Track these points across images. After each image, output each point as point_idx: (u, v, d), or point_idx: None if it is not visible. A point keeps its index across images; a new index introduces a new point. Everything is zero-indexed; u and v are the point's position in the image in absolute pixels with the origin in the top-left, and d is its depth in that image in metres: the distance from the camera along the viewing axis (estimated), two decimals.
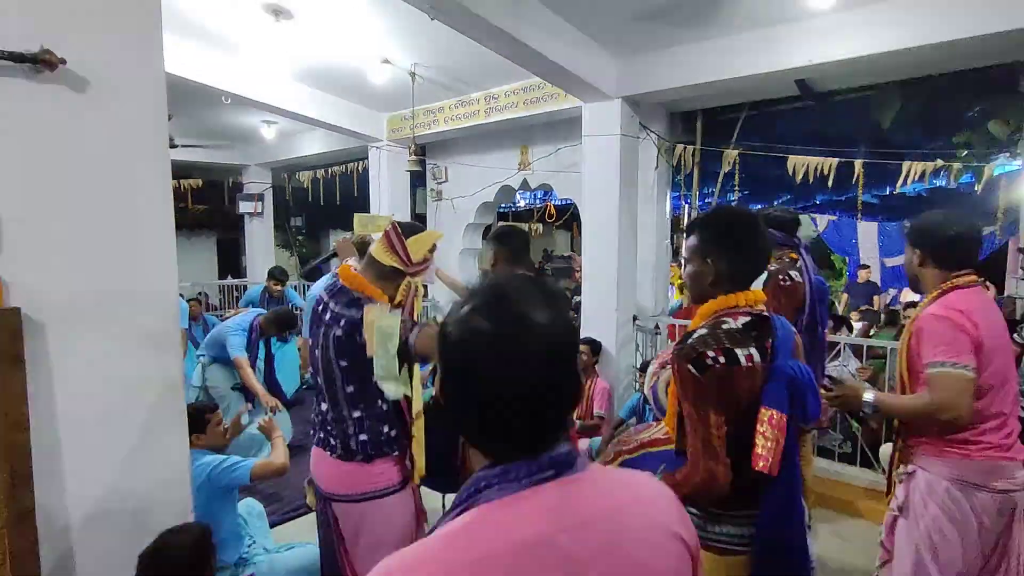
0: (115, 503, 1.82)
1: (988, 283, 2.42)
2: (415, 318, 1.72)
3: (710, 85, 3.94)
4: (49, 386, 1.67)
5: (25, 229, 1.62)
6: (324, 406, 1.72)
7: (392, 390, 1.64)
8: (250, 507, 2.81)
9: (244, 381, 3.85)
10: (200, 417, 2.61)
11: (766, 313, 1.46)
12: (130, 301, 1.83)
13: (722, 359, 1.34)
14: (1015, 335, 2.47)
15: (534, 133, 5.71)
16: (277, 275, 5.58)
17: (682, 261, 1.65)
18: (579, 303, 4.74)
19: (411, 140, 5.62)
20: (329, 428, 1.71)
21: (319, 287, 2.83)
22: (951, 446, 1.74)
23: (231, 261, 10.85)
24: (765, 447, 1.32)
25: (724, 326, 1.40)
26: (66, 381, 1.70)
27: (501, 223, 6.77)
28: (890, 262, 9.27)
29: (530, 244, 2.32)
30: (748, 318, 1.43)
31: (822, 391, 1.81)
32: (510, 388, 0.68)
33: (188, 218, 9.30)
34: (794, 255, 2.45)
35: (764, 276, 2.33)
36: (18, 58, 1.54)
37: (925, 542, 1.76)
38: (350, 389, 1.67)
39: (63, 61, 1.61)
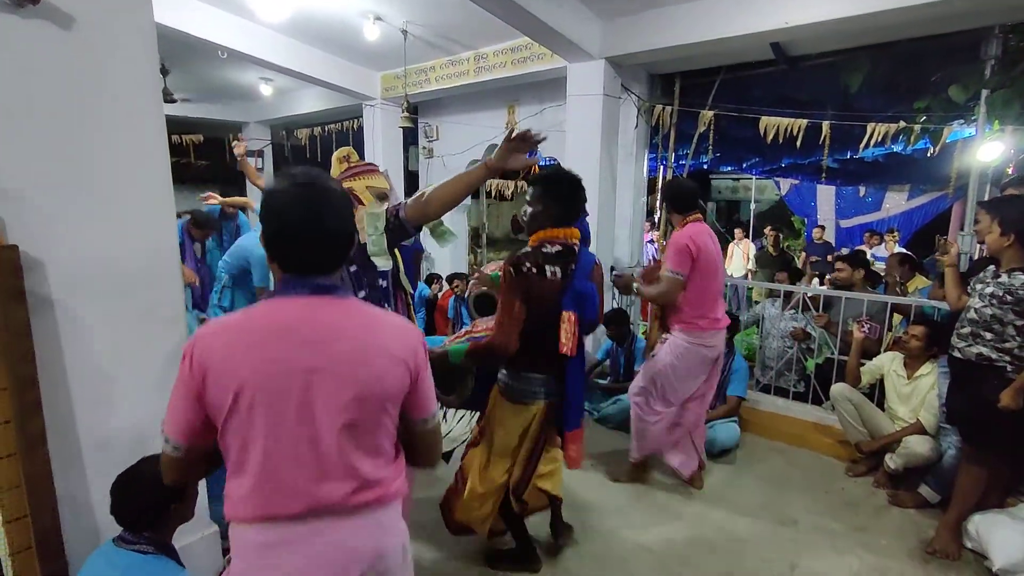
0: (124, 431, 1.78)
1: None
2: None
3: (690, 47, 3.79)
4: (52, 320, 1.60)
5: (19, 168, 1.52)
6: None
7: (383, 263, 1.82)
8: None
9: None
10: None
11: (575, 246, 1.96)
12: (127, 238, 1.74)
13: (535, 270, 1.86)
14: (968, 287, 2.48)
15: (521, 93, 5.52)
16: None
17: (525, 205, 2.04)
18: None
19: (404, 98, 5.40)
20: None
21: None
22: (685, 323, 2.68)
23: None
24: (567, 337, 1.87)
25: (544, 249, 1.92)
26: (69, 317, 1.63)
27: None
28: (845, 223, 9.31)
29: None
30: (561, 248, 1.93)
31: (612, 276, 2.93)
32: (280, 228, 1.00)
33: (191, 173, 8.95)
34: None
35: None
36: None
37: (660, 374, 2.76)
38: (362, 295, 1.82)
39: None
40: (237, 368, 0.94)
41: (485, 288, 2.64)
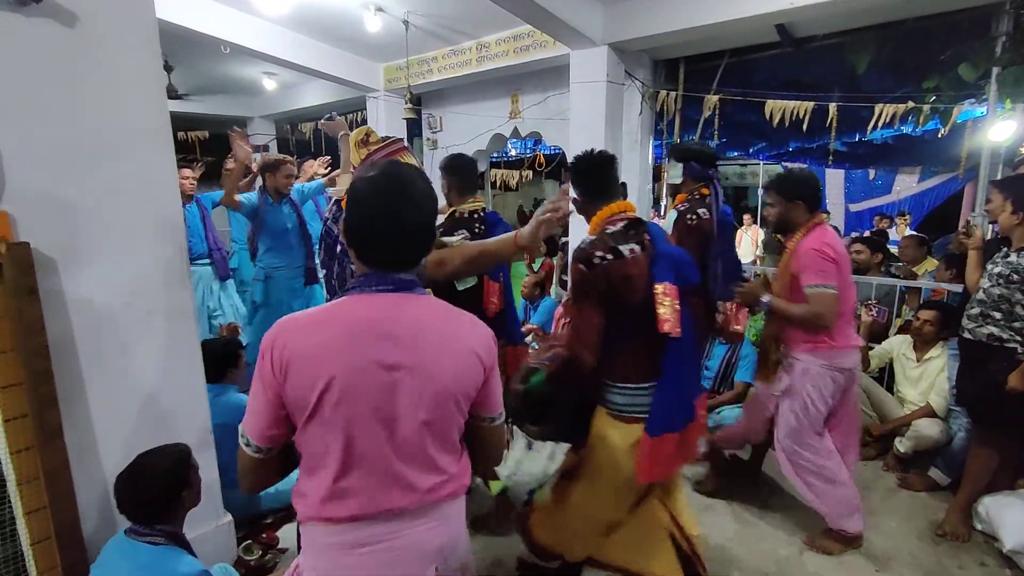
0: (138, 423, 1.82)
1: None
2: None
3: (694, 31, 3.74)
4: (65, 315, 1.63)
5: (28, 166, 1.53)
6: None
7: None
8: None
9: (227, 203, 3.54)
10: (233, 351, 2.56)
11: (637, 216, 1.70)
12: (135, 233, 1.76)
13: (609, 256, 1.55)
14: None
15: (524, 81, 5.48)
16: None
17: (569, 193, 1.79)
18: (566, 243, 4.70)
19: (407, 90, 5.39)
20: None
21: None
22: (820, 342, 2.18)
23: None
24: (665, 313, 1.51)
25: (608, 231, 1.64)
26: (81, 312, 1.66)
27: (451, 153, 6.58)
28: (855, 207, 9.20)
29: (475, 170, 2.52)
30: (625, 222, 1.66)
31: (737, 288, 2.27)
32: (360, 221, 0.99)
33: (197, 169, 9.00)
34: (706, 190, 2.46)
35: (673, 215, 2.46)
36: None
37: (801, 408, 2.24)
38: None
39: None
40: (321, 365, 0.92)
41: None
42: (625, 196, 1.87)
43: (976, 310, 2.28)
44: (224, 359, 2.49)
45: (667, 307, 1.52)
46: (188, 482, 1.54)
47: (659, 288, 1.53)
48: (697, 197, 2.45)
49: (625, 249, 1.56)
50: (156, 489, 1.49)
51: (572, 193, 1.80)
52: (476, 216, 2.33)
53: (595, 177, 1.77)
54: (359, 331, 0.95)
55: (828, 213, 8.41)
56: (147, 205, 1.78)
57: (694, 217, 2.38)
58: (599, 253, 1.55)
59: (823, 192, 9.51)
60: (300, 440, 0.98)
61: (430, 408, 0.98)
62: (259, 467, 1.00)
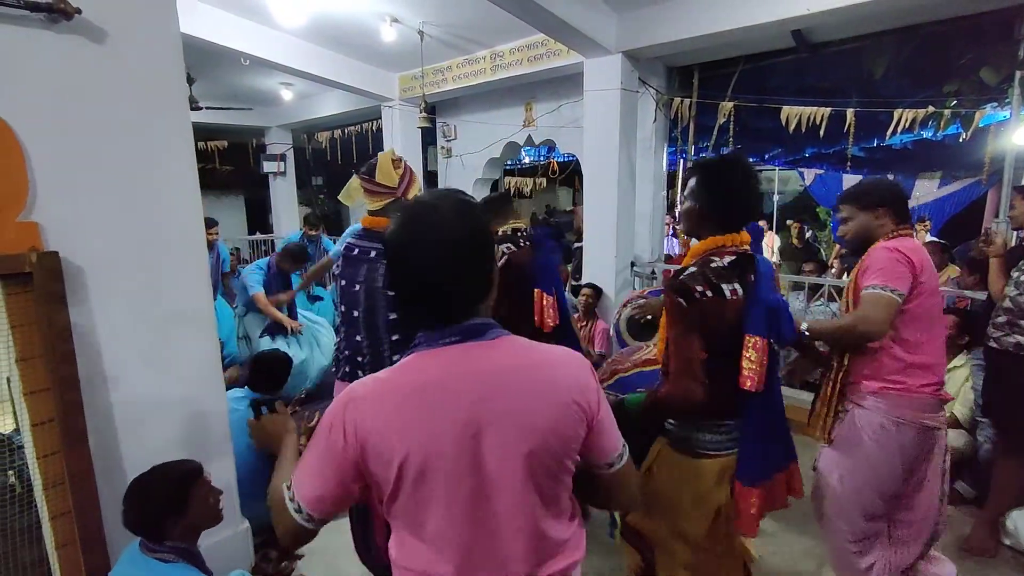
0: (160, 431, 1.85)
1: None
2: None
3: (708, 38, 3.73)
4: (91, 323, 1.67)
5: (58, 177, 1.58)
6: (359, 337, 1.74)
7: None
8: None
9: (264, 312, 3.83)
10: (283, 370, 2.58)
11: (750, 252, 1.50)
12: (158, 244, 1.80)
13: (709, 292, 1.40)
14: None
15: (538, 90, 5.51)
16: (311, 220, 5.44)
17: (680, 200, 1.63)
18: (580, 249, 4.71)
19: (421, 99, 5.45)
20: (361, 358, 1.72)
21: (347, 235, 2.94)
22: (888, 383, 1.72)
23: (259, 218, 10.77)
24: (751, 368, 1.40)
25: (712, 264, 1.45)
26: (106, 320, 1.70)
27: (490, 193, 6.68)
28: None
29: (510, 202, 2.45)
30: (734, 257, 1.47)
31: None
32: (417, 276, 0.85)
33: (216, 178, 9.17)
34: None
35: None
36: (33, 7, 1.46)
37: (852, 471, 1.80)
38: (392, 316, 1.70)
39: (78, 11, 1.53)
40: (394, 437, 0.82)
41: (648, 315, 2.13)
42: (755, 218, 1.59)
43: (1003, 319, 2.24)
44: (277, 372, 2.55)
45: (754, 361, 1.41)
46: (187, 503, 1.46)
47: (749, 341, 1.41)
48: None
49: (727, 289, 1.42)
50: (151, 509, 1.44)
51: (685, 201, 1.57)
52: (519, 232, 2.26)
53: (731, 194, 1.49)
54: (430, 394, 0.84)
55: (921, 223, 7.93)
56: (170, 215, 1.82)
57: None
58: (699, 288, 1.40)
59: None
60: (387, 513, 0.89)
61: (528, 468, 0.85)
62: (306, 535, 0.90)
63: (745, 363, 1.41)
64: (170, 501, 1.45)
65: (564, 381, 0.88)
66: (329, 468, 0.85)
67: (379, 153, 1.79)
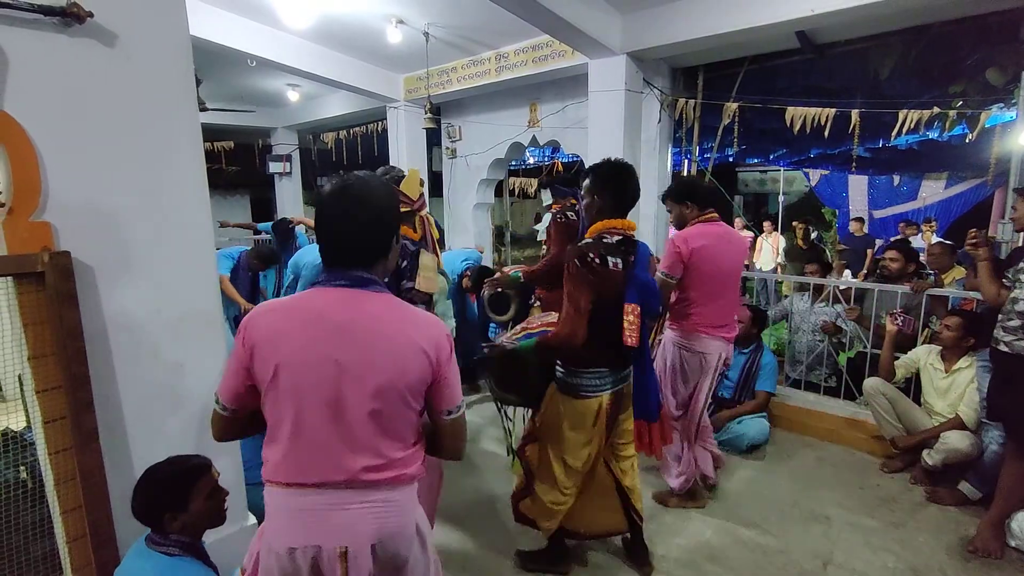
0: (169, 427, 1.87)
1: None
2: (436, 244, 2.00)
3: (713, 39, 3.74)
4: (101, 321, 1.69)
5: (69, 177, 1.60)
6: None
7: (451, 327, 1.91)
8: None
9: (227, 294, 4.00)
10: None
11: (634, 237, 1.97)
12: (168, 243, 1.82)
13: (597, 260, 1.84)
14: (1003, 278, 2.39)
15: (543, 91, 5.53)
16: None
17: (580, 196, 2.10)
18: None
19: (426, 100, 5.47)
20: None
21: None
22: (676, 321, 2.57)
23: (264, 218, 10.81)
24: (630, 329, 1.87)
25: (604, 240, 1.91)
26: (116, 318, 1.72)
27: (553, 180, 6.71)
28: (879, 213, 9.03)
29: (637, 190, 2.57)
30: (620, 237, 1.93)
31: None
32: (319, 221, 1.10)
33: (223, 178, 9.23)
34: (574, 200, 2.83)
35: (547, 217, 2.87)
36: (47, 11, 1.49)
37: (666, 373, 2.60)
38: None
39: (90, 14, 1.55)
40: (277, 348, 1.05)
41: (500, 288, 2.67)
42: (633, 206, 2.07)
43: (1016, 322, 2.22)
44: None
45: (632, 324, 1.87)
46: (189, 497, 1.47)
47: (628, 308, 1.88)
48: (568, 204, 2.88)
49: (611, 261, 1.87)
50: (154, 498, 1.46)
51: (584, 197, 2.03)
52: (629, 240, 2.13)
53: (613, 188, 1.96)
54: (311, 321, 1.06)
55: (860, 220, 8.18)
56: (179, 215, 1.84)
57: (563, 217, 2.84)
58: (591, 255, 1.84)
59: (845, 198, 9.36)
60: (263, 410, 1.11)
61: (376, 400, 1.06)
62: (225, 423, 1.17)
63: (626, 325, 1.86)
64: (173, 492, 1.46)
65: (420, 333, 1.10)
66: (233, 366, 1.11)
67: (410, 168, 2.02)
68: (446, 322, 1.83)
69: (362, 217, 1.09)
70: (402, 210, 1.84)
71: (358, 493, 1.09)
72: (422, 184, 2.05)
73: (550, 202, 3.00)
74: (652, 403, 2.03)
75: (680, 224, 2.64)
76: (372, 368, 1.05)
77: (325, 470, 1.07)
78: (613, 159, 2.01)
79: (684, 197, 2.60)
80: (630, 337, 1.85)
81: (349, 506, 1.08)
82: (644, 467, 3.04)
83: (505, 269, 3.16)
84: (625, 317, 1.86)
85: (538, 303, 3.04)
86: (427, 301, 1.79)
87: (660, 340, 2.70)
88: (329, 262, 1.11)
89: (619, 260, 1.87)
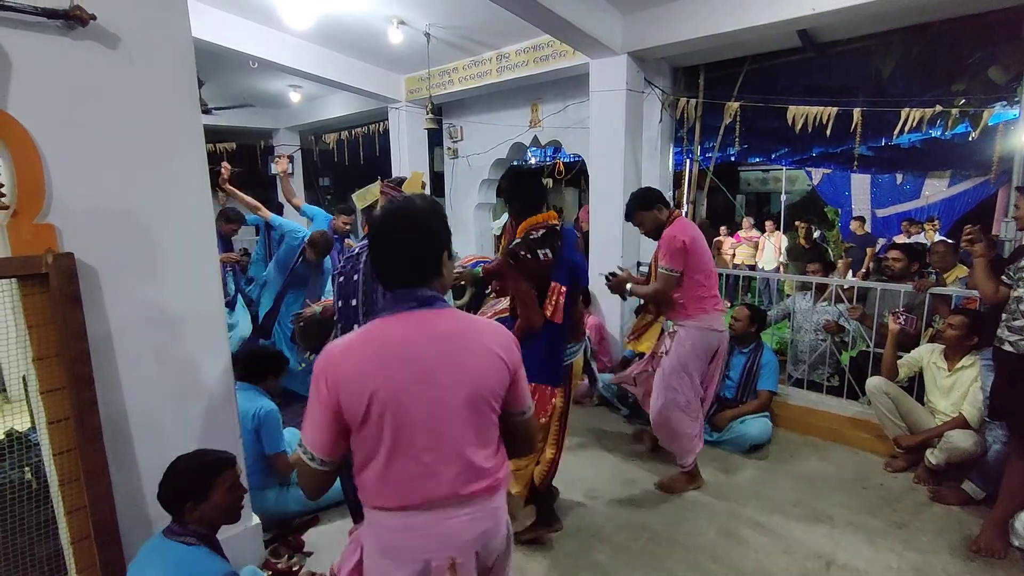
0: (172, 428, 1.88)
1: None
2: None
3: (714, 38, 3.73)
4: (105, 323, 1.70)
5: (73, 179, 1.61)
6: (356, 326, 1.82)
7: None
8: (292, 435, 2.90)
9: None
10: (280, 364, 2.67)
11: (556, 225, 2.21)
12: (170, 245, 1.83)
13: (529, 255, 2.11)
14: (1004, 276, 2.39)
15: (544, 91, 5.52)
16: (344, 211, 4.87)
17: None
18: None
19: (428, 100, 5.48)
20: None
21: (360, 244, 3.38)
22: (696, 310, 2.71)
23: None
24: (552, 305, 2.17)
25: (531, 236, 2.14)
26: (119, 319, 1.73)
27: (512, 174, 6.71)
28: (882, 212, 9.00)
29: (540, 189, 2.63)
30: (545, 230, 2.16)
31: (606, 279, 2.93)
32: (377, 247, 1.15)
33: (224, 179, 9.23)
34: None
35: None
36: (50, 14, 1.50)
37: (682, 367, 2.74)
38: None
39: (93, 17, 1.56)
40: (365, 382, 1.05)
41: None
42: (550, 207, 2.36)
43: (1021, 322, 2.20)
44: (266, 365, 2.60)
45: (554, 301, 2.16)
46: (212, 488, 1.53)
47: (553, 286, 2.17)
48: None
49: (541, 253, 2.11)
50: (179, 485, 1.52)
51: (508, 205, 2.36)
52: (552, 229, 2.36)
53: (523, 191, 2.30)
54: (393, 349, 1.08)
55: (861, 219, 8.19)
56: (181, 217, 1.85)
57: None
58: (522, 252, 2.11)
59: (848, 196, 9.32)
60: (354, 444, 1.10)
61: (466, 410, 1.10)
62: (324, 477, 1.12)
63: (548, 302, 2.16)
64: (198, 481, 1.53)
65: (492, 339, 1.15)
66: (321, 415, 1.07)
67: (413, 171, 2.01)
68: None
69: (412, 237, 1.12)
70: None
71: (460, 506, 1.11)
72: (424, 187, 2.06)
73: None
74: (542, 369, 2.19)
75: (657, 228, 2.76)
76: (459, 382, 1.09)
77: (427, 490, 1.09)
78: (511, 170, 2.33)
79: (652, 203, 2.76)
80: (554, 313, 2.14)
81: (453, 520, 1.11)
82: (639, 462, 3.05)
83: (465, 259, 3.38)
84: (548, 295, 2.15)
85: (493, 293, 3.16)
86: None
87: (672, 335, 2.78)
88: (390, 284, 1.14)
89: (547, 250, 2.11)
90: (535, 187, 2.35)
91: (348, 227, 4.62)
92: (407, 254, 1.12)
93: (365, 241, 1.88)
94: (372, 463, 1.09)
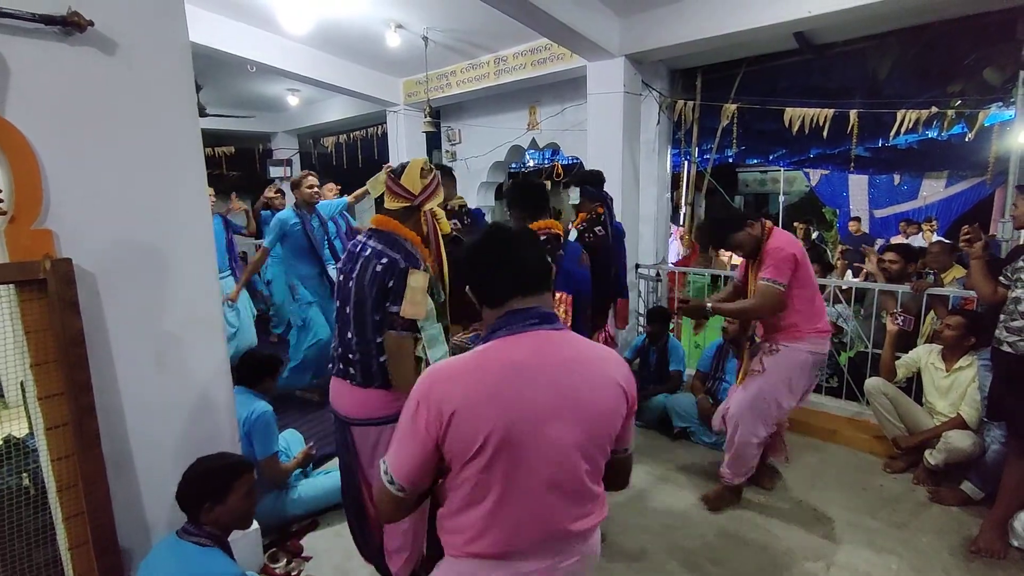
0: (170, 434, 1.88)
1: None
2: (440, 245, 1.78)
3: (711, 40, 3.74)
4: (103, 328, 1.69)
5: (71, 185, 1.61)
6: (349, 334, 1.70)
7: (439, 355, 1.67)
8: (292, 436, 2.90)
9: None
10: (275, 365, 2.68)
11: (558, 233, 2.27)
12: (168, 249, 1.83)
13: None
14: (1001, 277, 2.39)
15: (542, 93, 5.54)
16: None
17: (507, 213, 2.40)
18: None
19: (426, 103, 5.49)
20: (351, 356, 1.69)
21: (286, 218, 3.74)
22: (806, 331, 2.49)
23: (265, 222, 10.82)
24: (562, 314, 2.17)
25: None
26: (117, 325, 1.73)
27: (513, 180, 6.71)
28: (880, 213, 9.02)
29: (543, 195, 2.50)
30: (545, 237, 2.19)
31: (678, 304, 2.91)
32: (487, 262, 1.07)
33: (224, 183, 9.23)
34: (600, 208, 2.83)
35: (574, 233, 2.83)
36: (48, 20, 1.50)
37: (773, 391, 2.53)
38: (377, 317, 1.65)
39: (91, 23, 1.56)
40: (483, 415, 0.94)
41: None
42: (555, 216, 2.39)
43: (1019, 323, 2.20)
44: (262, 368, 2.61)
45: (562, 310, 2.18)
46: (230, 491, 1.56)
47: (558, 295, 2.18)
48: (593, 216, 2.83)
49: None
50: (199, 484, 1.56)
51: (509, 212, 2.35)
52: (553, 237, 2.36)
53: (524, 199, 2.32)
54: (513, 375, 0.97)
55: (858, 220, 8.23)
56: (179, 221, 1.85)
57: (590, 235, 2.78)
58: None
59: (846, 197, 9.34)
60: (454, 482, 0.99)
61: (587, 445, 1.00)
62: (400, 504, 1.04)
63: (560, 311, 2.17)
64: (217, 483, 1.56)
65: (613, 368, 1.06)
66: (416, 443, 0.97)
67: (413, 158, 1.79)
68: (437, 348, 1.67)
69: (531, 242, 1.08)
70: (400, 206, 1.72)
71: (571, 544, 1.04)
72: (431, 171, 1.77)
73: (576, 201, 2.94)
74: None
75: (755, 247, 2.50)
76: (584, 413, 0.99)
77: (539, 532, 1.00)
78: (515, 180, 2.34)
79: (741, 223, 2.52)
80: (566, 322, 2.11)
81: (565, 561, 1.04)
82: (659, 477, 3.05)
83: None
84: (556, 305, 2.14)
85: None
86: (410, 328, 1.63)
87: (771, 349, 2.53)
88: (508, 295, 1.04)
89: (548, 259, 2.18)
90: (535, 193, 2.35)
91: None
92: (528, 261, 1.04)
93: (363, 238, 1.75)
94: (478, 506, 0.98)
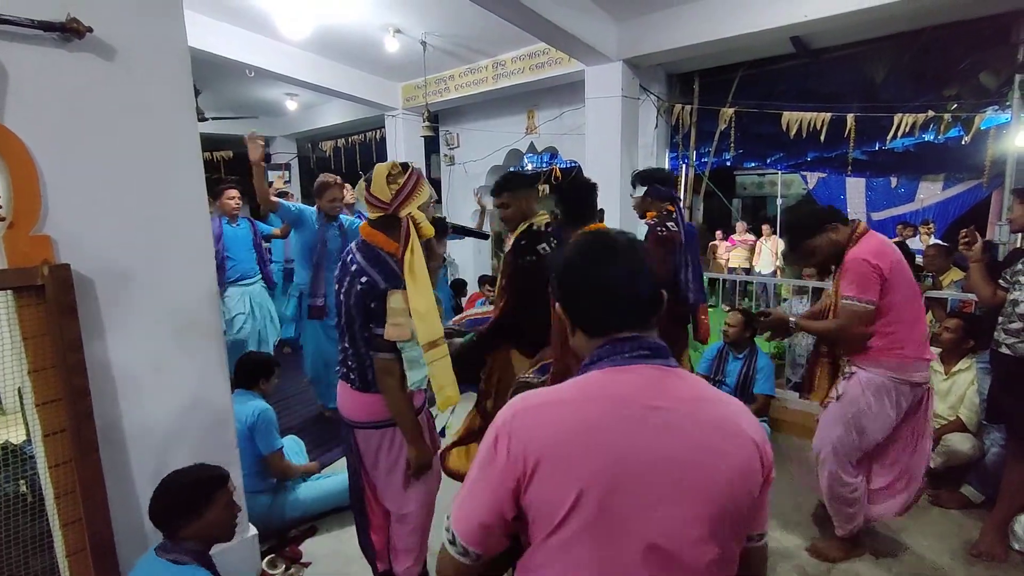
0: (168, 441, 1.87)
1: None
2: (413, 249, 1.63)
3: (708, 45, 3.77)
4: (101, 334, 1.69)
5: (70, 190, 1.61)
6: (346, 343, 1.71)
7: (417, 379, 1.62)
8: (293, 442, 2.89)
9: None
10: (270, 366, 2.69)
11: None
12: (166, 255, 1.83)
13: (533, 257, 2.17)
14: (1000, 279, 2.40)
15: (540, 98, 5.55)
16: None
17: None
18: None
19: (424, 108, 5.50)
20: (350, 363, 1.70)
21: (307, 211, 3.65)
22: (884, 353, 2.07)
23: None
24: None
25: (532, 228, 2.23)
26: (116, 331, 1.72)
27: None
28: (877, 216, 9.05)
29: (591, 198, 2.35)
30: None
31: (760, 319, 2.41)
32: (593, 282, 0.83)
33: (222, 188, 9.23)
34: (671, 207, 2.63)
35: (644, 227, 2.65)
36: (47, 27, 1.50)
37: (853, 420, 2.14)
38: (365, 334, 1.64)
39: (90, 29, 1.57)
40: (578, 463, 0.72)
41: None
42: (601, 220, 2.27)
43: (1017, 325, 2.21)
44: (258, 370, 2.63)
45: None
46: (207, 506, 1.50)
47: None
48: (664, 213, 2.63)
49: (540, 248, 2.10)
50: (174, 501, 1.49)
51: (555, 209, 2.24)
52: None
53: (574, 202, 2.16)
54: (620, 416, 0.75)
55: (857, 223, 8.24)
56: (178, 227, 1.85)
57: (664, 229, 2.55)
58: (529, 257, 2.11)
59: (843, 200, 9.37)
60: (534, 559, 0.77)
61: (717, 520, 0.74)
62: (461, 572, 0.79)
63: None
64: (193, 497, 1.49)
65: (746, 420, 0.80)
66: (491, 489, 0.76)
67: (378, 164, 1.69)
68: (416, 371, 1.61)
69: (639, 260, 0.84)
70: (378, 215, 1.65)
71: None
72: (402, 173, 1.64)
73: (640, 194, 2.71)
74: None
75: (837, 254, 2.15)
76: (714, 472, 0.74)
77: None
78: (579, 175, 2.16)
79: (820, 223, 2.16)
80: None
81: None
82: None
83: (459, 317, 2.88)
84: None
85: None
86: (390, 350, 1.58)
87: (848, 377, 2.17)
88: (611, 326, 0.82)
89: (546, 245, 2.13)
90: (586, 198, 2.17)
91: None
92: (635, 283, 0.81)
93: (353, 246, 1.70)
94: None
